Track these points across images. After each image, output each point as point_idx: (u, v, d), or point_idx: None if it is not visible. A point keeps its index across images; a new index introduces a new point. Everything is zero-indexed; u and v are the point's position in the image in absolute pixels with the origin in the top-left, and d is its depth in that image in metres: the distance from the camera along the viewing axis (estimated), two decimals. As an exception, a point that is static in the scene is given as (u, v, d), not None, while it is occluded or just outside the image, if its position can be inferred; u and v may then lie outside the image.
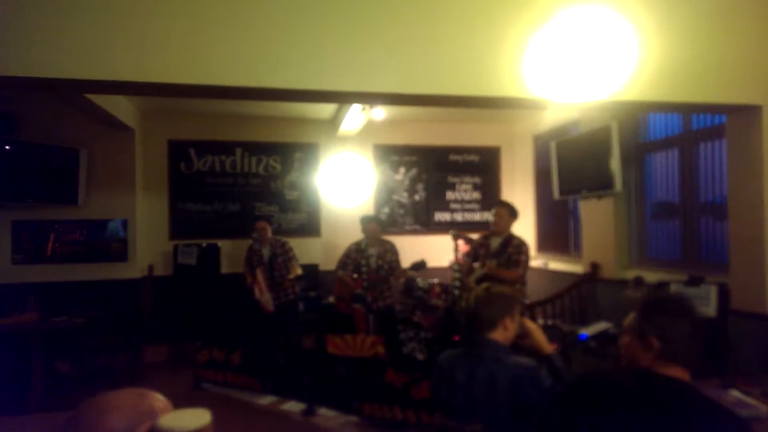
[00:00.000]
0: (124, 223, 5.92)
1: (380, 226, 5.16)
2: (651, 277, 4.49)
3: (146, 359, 5.71)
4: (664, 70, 3.13)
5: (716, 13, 3.23)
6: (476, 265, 4.47)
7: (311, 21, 2.74)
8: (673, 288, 3.87)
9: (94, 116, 5.30)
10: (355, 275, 5.00)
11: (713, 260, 4.20)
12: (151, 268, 6.13)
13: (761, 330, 3.28)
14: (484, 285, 2.27)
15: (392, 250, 5.06)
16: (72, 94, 4.40)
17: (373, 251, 5.01)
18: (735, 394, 2.29)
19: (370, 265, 4.97)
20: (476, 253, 4.50)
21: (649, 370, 1.44)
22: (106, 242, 5.86)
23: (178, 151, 6.41)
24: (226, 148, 6.54)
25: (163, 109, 6.20)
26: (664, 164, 4.81)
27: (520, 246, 4.30)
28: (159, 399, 1.10)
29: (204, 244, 6.22)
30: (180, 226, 6.38)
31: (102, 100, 4.80)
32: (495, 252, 4.29)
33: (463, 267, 4.55)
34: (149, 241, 6.21)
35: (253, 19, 2.69)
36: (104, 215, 5.87)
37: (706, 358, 3.40)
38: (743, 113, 3.40)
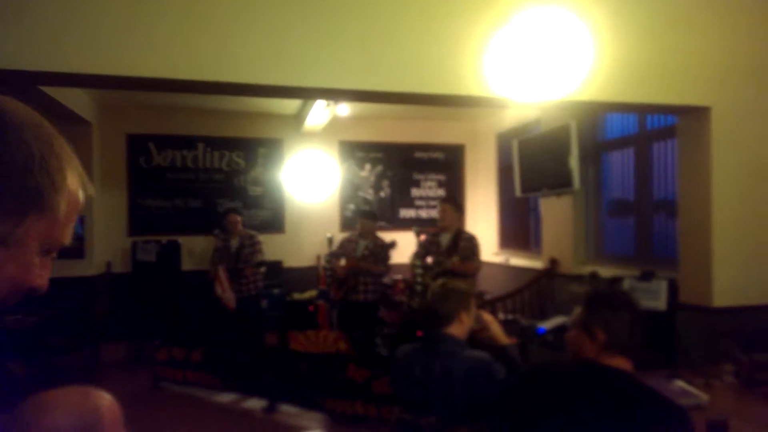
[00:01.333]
0: (81, 219, 5.74)
1: (372, 222, 5.16)
2: (606, 272, 4.63)
3: (104, 358, 5.58)
4: (618, 72, 3.23)
5: (669, 17, 3.35)
6: (429, 260, 4.51)
7: (274, 15, 2.72)
8: (627, 283, 4.01)
9: (49, 109, 5.11)
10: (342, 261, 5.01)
11: (665, 256, 4.36)
12: (109, 264, 5.97)
13: (707, 322, 3.42)
14: (440, 281, 2.31)
15: (383, 246, 5.08)
16: (25, 87, 4.24)
17: (363, 242, 5.03)
18: (679, 383, 2.38)
19: (356, 253, 4.98)
20: (427, 250, 4.53)
21: (593, 361, 1.50)
22: (61, 238, 5.67)
23: (137, 145, 6.26)
24: (187, 142, 6.42)
25: (121, 102, 6.04)
26: (621, 163, 4.98)
27: (472, 239, 4.37)
28: (104, 397, 1.08)
29: (164, 241, 6.09)
30: (139, 222, 6.24)
31: (57, 93, 4.64)
32: (447, 247, 4.33)
33: (424, 263, 4.59)
34: (107, 237, 6.05)
35: (215, 12, 2.65)
36: (59, 211, 5.68)
37: (656, 350, 3.55)
38: (693, 114, 3.54)
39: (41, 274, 0.70)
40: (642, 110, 4.17)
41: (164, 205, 6.33)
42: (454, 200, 4.48)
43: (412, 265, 4.42)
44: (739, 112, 3.47)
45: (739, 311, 3.38)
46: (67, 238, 0.69)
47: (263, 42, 2.71)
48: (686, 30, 3.38)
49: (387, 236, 6.84)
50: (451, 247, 4.31)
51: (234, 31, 2.68)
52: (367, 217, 5.11)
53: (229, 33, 2.67)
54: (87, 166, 5.33)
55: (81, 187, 0.70)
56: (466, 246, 4.29)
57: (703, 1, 3.43)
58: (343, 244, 5.15)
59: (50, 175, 0.63)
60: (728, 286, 3.42)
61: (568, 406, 1.43)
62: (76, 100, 5.24)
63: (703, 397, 2.22)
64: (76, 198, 0.69)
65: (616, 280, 4.15)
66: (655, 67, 3.31)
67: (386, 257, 5.03)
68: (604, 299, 1.56)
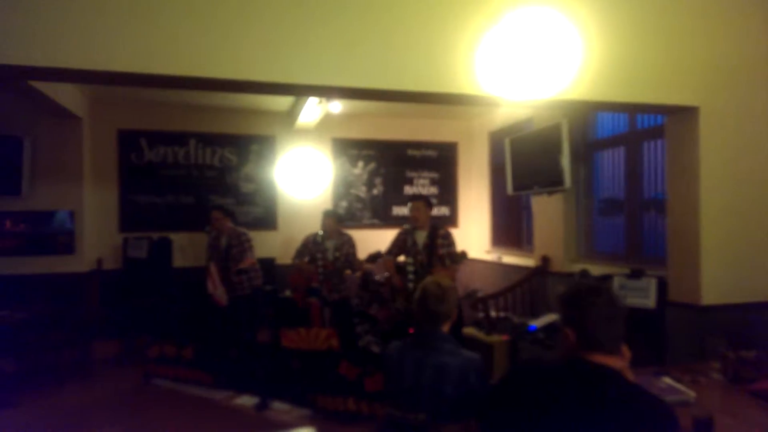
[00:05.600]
0: (71, 215, 5.71)
1: (337, 221, 5.15)
2: (596, 270, 4.67)
3: (95, 355, 5.54)
4: (607, 71, 3.26)
5: (657, 17, 3.38)
6: (402, 258, 4.48)
7: (268, 13, 2.72)
8: (616, 281, 4.05)
9: (40, 104, 5.08)
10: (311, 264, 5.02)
11: (654, 254, 4.41)
12: (99, 261, 5.94)
13: (695, 320, 3.47)
14: (432, 278, 2.32)
15: (349, 243, 5.07)
16: (16, 81, 4.21)
17: (329, 244, 5.02)
18: (666, 380, 2.41)
19: (327, 257, 4.98)
20: (401, 248, 4.51)
21: (578, 358, 1.50)
22: (51, 234, 5.64)
23: (128, 141, 6.23)
24: (179, 138, 6.40)
25: (112, 97, 6.01)
26: (611, 162, 5.01)
27: (448, 236, 4.34)
28: None
29: (155, 237, 6.07)
30: (130, 218, 6.21)
31: (48, 88, 4.61)
32: (425, 245, 4.31)
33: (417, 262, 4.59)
34: (98, 233, 6.02)
35: (209, 9, 2.64)
36: (50, 206, 5.65)
37: (645, 348, 3.58)
38: (681, 114, 3.58)
39: None
40: (630, 110, 4.21)
41: (155, 201, 6.30)
42: (426, 198, 4.49)
43: (403, 264, 4.41)
44: (726, 111, 3.51)
45: (727, 309, 3.42)
46: None
47: (256, 39, 2.71)
48: (674, 30, 3.41)
49: (378, 234, 6.91)
50: (428, 244, 4.30)
51: (227, 27, 2.67)
52: (332, 217, 5.10)
53: (223, 29, 2.67)
54: (77, 162, 5.31)
55: None
56: (444, 243, 4.28)
57: (691, 1, 3.46)
58: (307, 244, 5.11)
59: None
60: (716, 284, 3.47)
61: (554, 404, 1.44)
62: (66, 95, 5.21)
63: (690, 394, 2.24)
64: None
65: (605, 278, 4.19)
66: (643, 67, 3.34)
67: (353, 253, 5.06)
68: (571, 299, 1.55)
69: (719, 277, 3.47)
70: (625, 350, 1.55)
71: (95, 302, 5.73)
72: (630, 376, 1.56)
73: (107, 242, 6.08)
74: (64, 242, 5.67)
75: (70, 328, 5.28)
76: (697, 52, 3.46)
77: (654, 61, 3.36)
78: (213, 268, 5.09)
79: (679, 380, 2.42)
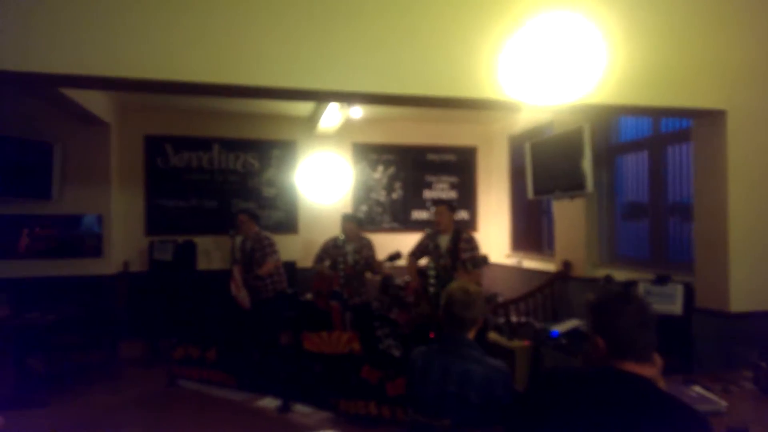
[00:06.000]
0: (99, 219, 5.84)
1: (358, 226, 5.19)
2: (620, 275, 4.62)
3: (121, 356, 5.66)
4: (632, 75, 3.22)
5: (683, 20, 3.34)
6: (423, 262, 4.50)
7: (291, 19, 2.76)
8: (641, 287, 4.00)
9: (69, 111, 5.22)
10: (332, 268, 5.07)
11: (680, 259, 4.34)
12: (126, 264, 6.06)
13: (723, 327, 3.40)
14: (458, 283, 2.32)
15: (368, 246, 5.12)
16: (46, 89, 4.33)
17: (350, 247, 5.06)
18: (696, 389, 2.36)
19: (348, 261, 5.01)
20: (424, 251, 4.52)
21: (609, 366, 1.49)
22: (80, 238, 5.78)
23: (154, 146, 6.35)
24: (203, 144, 6.50)
25: (139, 103, 6.13)
26: (634, 166, 4.96)
27: (471, 240, 4.37)
28: None
29: (180, 241, 6.17)
30: (156, 222, 6.33)
31: (77, 95, 4.73)
32: (448, 249, 4.32)
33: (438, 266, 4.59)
34: (125, 236, 6.15)
35: (232, 17, 2.69)
36: (78, 210, 5.79)
37: (671, 355, 3.52)
38: (708, 118, 3.52)
39: None
40: (656, 113, 4.15)
41: (180, 205, 6.42)
42: (449, 203, 4.52)
43: (425, 268, 4.42)
44: (755, 115, 3.45)
45: (757, 316, 3.35)
46: None
47: (280, 45, 2.75)
48: (701, 32, 3.36)
49: (398, 237, 6.92)
50: (451, 249, 4.31)
51: (250, 34, 2.71)
52: (351, 221, 5.14)
53: (246, 37, 2.71)
54: (105, 167, 5.44)
55: None
56: (466, 247, 4.29)
57: (718, 3, 3.41)
58: (327, 249, 5.16)
59: None
60: (746, 290, 3.40)
61: (585, 413, 1.41)
62: (95, 101, 5.33)
63: (722, 403, 2.20)
64: None
65: (630, 284, 4.13)
66: (669, 70, 3.30)
67: (373, 256, 5.10)
68: (601, 306, 1.54)
69: (749, 283, 3.40)
70: (657, 358, 1.53)
71: (122, 304, 5.85)
72: (662, 384, 1.54)
73: (134, 245, 6.20)
74: (92, 245, 5.80)
75: (98, 329, 5.40)
76: (724, 54, 3.40)
77: (680, 64, 3.31)
78: (236, 271, 5.15)
79: (709, 389, 2.38)
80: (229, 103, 6.08)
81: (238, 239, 5.34)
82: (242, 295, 5.15)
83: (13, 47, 2.45)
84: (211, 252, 6.32)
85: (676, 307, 3.80)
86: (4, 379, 4.53)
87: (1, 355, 4.55)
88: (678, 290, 3.81)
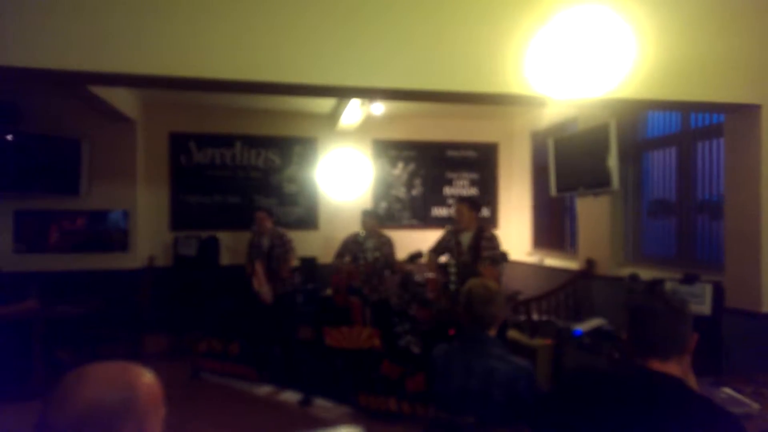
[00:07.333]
0: (125, 214, 5.95)
1: (378, 222, 5.20)
2: (646, 274, 4.52)
3: (146, 349, 5.75)
4: (662, 69, 3.15)
5: (715, 12, 3.25)
6: (444, 258, 4.47)
7: (315, 16, 2.76)
8: (668, 286, 3.91)
9: (96, 108, 5.32)
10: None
11: (708, 258, 4.23)
12: (151, 258, 6.16)
13: (755, 328, 3.32)
14: (478, 280, 2.30)
15: (389, 243, 5.11)
16: (74, 87, 4.42)
17: (370, 243, 5.06)
18: (727, 391, 2.32)
19: (367, 257, 5.02)
20: (445, 248, 4.50)
21: (639, 365, 1.46)
22: (107, 232, 5.90)
23: (178, 143, 6.44)
24: (225, 140, 6.57)
25: (164, 101, 6.22)
26: (662, 162, 4.85)
27: (492, 238, 4.32)
28: (143, 375, 1.11)
29: (204, 236, 6.25)
30: (180, 217, 6.42)
31: (104, 92, 4.81)
32: (470, 246, 4.29)
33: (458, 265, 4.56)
34: (150, 232, 6.25)
35: (256, 14, 2.71)
36: (105, 206, 5.90)
37: (700, 356, 3.45)
38: (742, 112, 3.42)
39: None
40: (686, 108, 4.05)
41: (204, 201, 6.50)
42: (470, 199, 4.47)
43: (445, 265, 4.40)
44: (790, 110, 3.34)
45: (789, 317, 3.26)
46: None
47: (305, 42, 2.75)
48: (733, 25, 3.27)
49: (418, 234, 6.90)
50: (473, 246, 4.28)
51: (275, 32, 2.72)
52: (373, 216, 5.14)
53: (270, 35, 2.72)
54: (131, 163, 5.53)
55: None
56: (487, 246, 4.25)
57: (752, -5, 3.31)
58: (347, 244, 5.17)
59: None
60: (778, 290, 3.30)
61: (615, 411, 1.39)
62: (121, 99, 5.42)
63: (754, 405, 2.15)
64: None
65: (656, 283, 4.05)
66: (700, 64, 3.21)
67: (392, 253, 5.09)
68: (637, 305, 1.53)
69: (781, 283, 3.31)
70: (685, 357, 1.50)
71: (147, 298, 5.94)
72: (693, 384, 1.51)
73: (159, 240, 6.30)
74: (118, 240, 5.91)
75: (123, 322, 5.50)
76: (758, 46, 3.30)
77: (712, 58, 3.22)
78: (259, 267, 5.20)
79: (740, 391, 2.32)
80: (251, 100, 6.13)
81: (255, 235, 5.40)
82: (264, 291, 5.20)
83: (44, 46, 2.50)
84: (234, 247, 6.39)
85: (705, 307, 3.71)
86: (34, 370, 4.65)
87: (30, 346, 4.67)
88: (707, 290, 3.72)
